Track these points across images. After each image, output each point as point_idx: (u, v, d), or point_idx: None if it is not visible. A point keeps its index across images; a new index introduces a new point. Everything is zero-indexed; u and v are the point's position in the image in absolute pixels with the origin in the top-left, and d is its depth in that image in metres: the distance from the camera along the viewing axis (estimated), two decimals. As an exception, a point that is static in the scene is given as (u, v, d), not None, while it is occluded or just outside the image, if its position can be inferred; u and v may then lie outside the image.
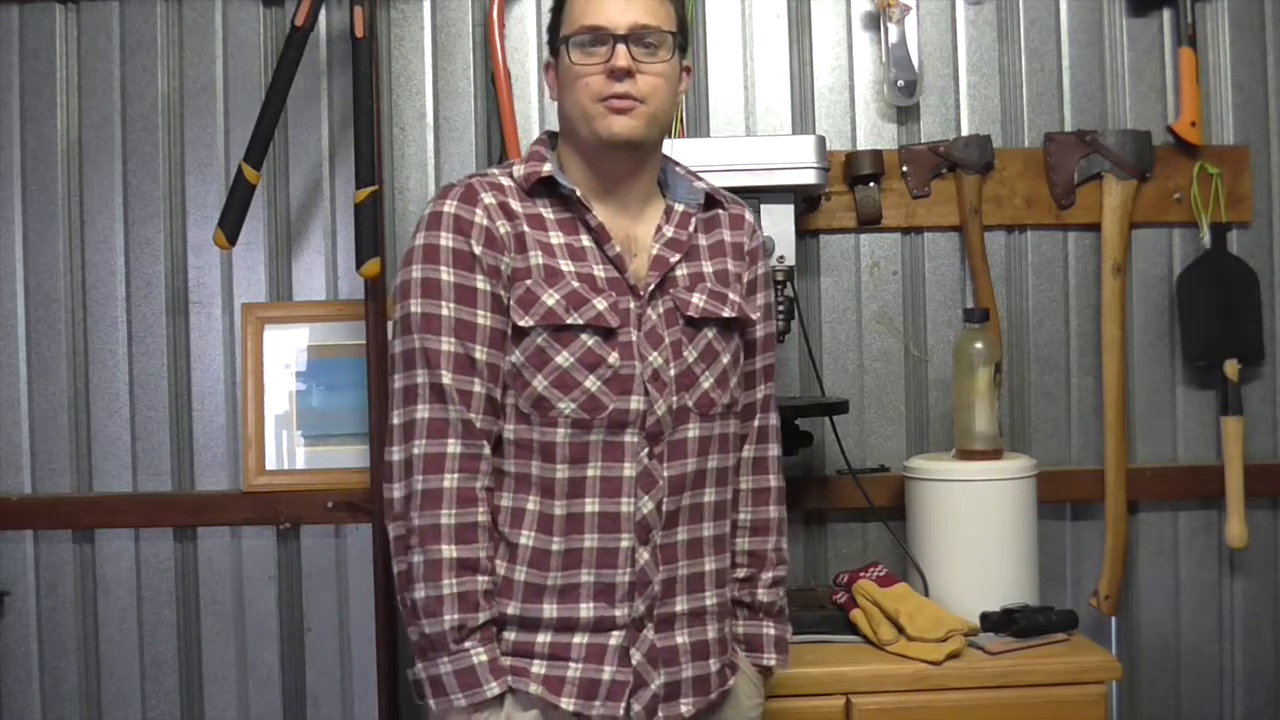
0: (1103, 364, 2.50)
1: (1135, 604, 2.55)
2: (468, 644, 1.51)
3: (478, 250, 1.56)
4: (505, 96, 2.45)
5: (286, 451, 2.50)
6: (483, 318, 1.55)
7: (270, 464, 2.50)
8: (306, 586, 2.52)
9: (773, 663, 1.75)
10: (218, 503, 2.49)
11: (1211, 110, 2.55)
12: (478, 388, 1.54)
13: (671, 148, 2.11)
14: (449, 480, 1.53)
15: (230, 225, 2.28)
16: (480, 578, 1.52)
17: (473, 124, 2.53)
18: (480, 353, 1.55)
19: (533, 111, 2.52)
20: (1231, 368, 2.49)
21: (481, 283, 1.55)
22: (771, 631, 1.76)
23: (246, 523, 2.50)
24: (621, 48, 1.56)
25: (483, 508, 1.54)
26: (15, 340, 2.51)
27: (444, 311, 1.54)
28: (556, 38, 1.64)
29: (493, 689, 1.51)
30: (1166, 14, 2.54)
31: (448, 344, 1.54)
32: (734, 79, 2.55)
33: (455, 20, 2.54)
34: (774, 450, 1.79)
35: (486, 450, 1.55)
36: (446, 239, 1.56)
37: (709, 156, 2.15)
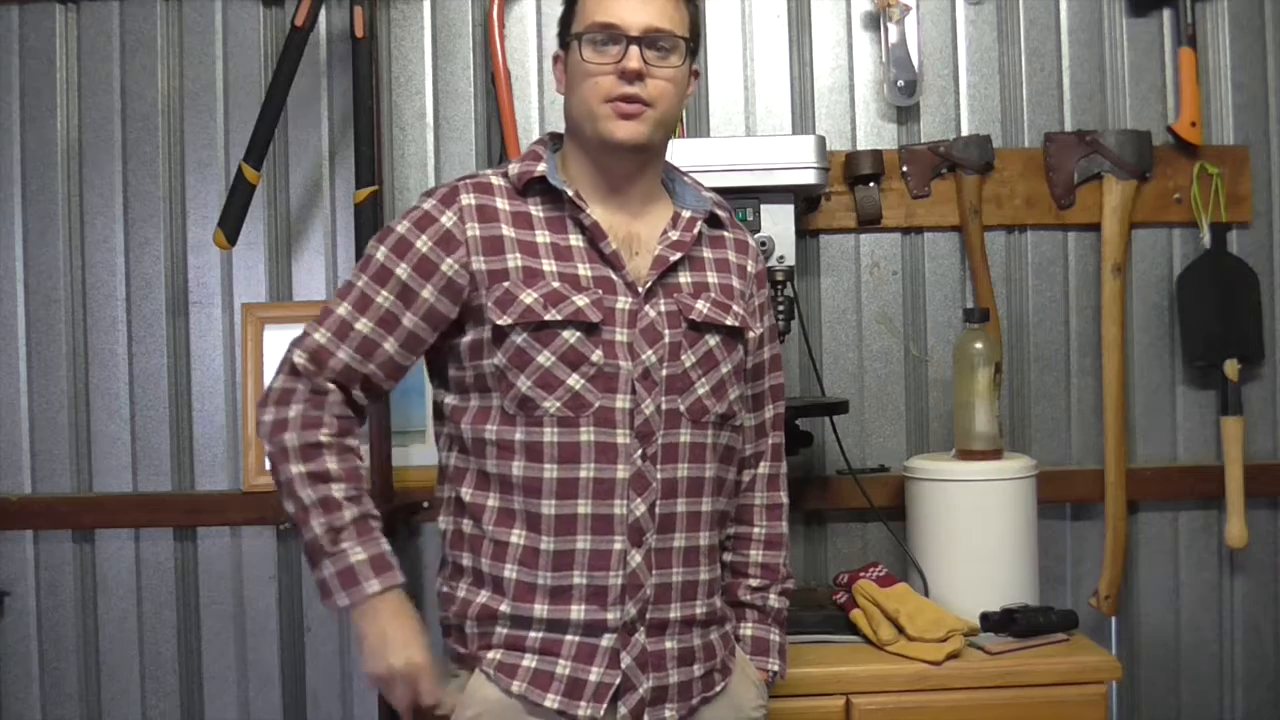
0: (1103, 364, 2.50)
1: (1135, 604, 2.55)
2: (344, 544, 1.54)
3: (422, 247, 1.59)
4: (505, 96, 2.45)
5: (286, 451, 2.50)
6: (381, 297, 1.59)
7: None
8: (307, 586, 2.52)
9: (777, 668, 1.76)
10: (217, 503, 2.49)
11: (1211, 110, 2.55)
12: (341, 355, 1.59)
13: (671, 148, 2.12)
14: (294, 410, 1.58)
15: (230, 225, 2.28)
16: (334, 484, 1.56)
17: (473, 124, 2.53)
18: (363, 325, 1.59)
19: (533, 111, 2.52)
20: (1231, 368, 2.49)
21: (401, 271, 1.59)
22: (777, 639, 1.77)
23: (246, 523, 2.50)
24: (634, 49, 1.56)
25: (326, 431, 1.58)
26: (15, 340, 2.51)
27: (358, 283, 1.61)
28: (568, 31, 1.64)
29: (373, 585, 1.53)
30: (1166, 14, 2.54)
31: (343, 309, 1.60)
32: (734, 79, 2.55)
33: (455, 20, 2.54)
34: (784, 468, 1.83)
35: (333, 397, 1.59)
36: (402, 227, 1.62)
37: (709, 156, 2.15)
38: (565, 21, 1.65)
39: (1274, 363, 2.56)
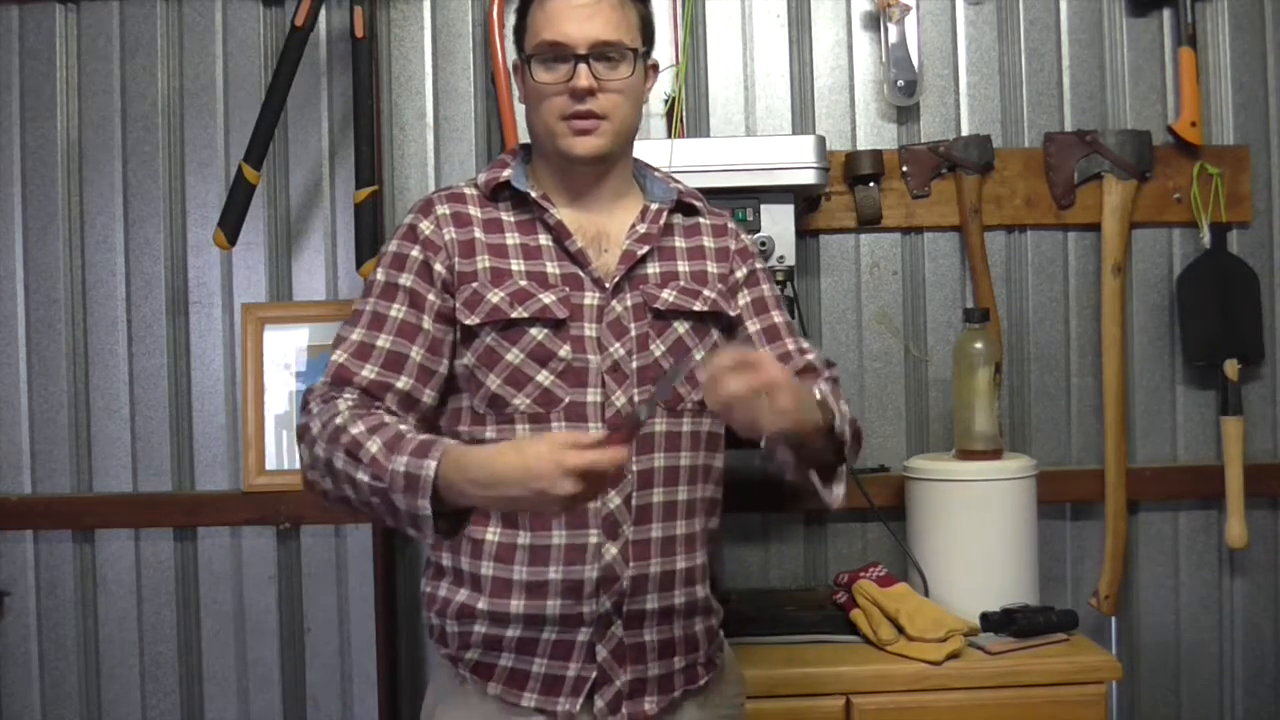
0: (1103, 364, 2.50)
1: (1135, 604, 2.55)
2: (391, 464, 1.41)
3: (414, 253, 1.61)
4: (505, 96, 2.45)
5: (286, 451, 2.50)
6: (394, 310, 1.59)
7: (270, 464, 2.50)
8: (306, 586, 2.52)
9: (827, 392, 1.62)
10: (217, 503, 2.49)
11: (1211, 110, 2.55)
12: (366, 372, 1.55)
13: (671, 148, 2.12)
14: (315, 418, 1.51)
15: (230, 225, 2.28)
16: (353, 429, 1.46)
17: (473, 124, 2.53)
18: (384, 340, 1.58)
19: (533, 111, 2.52)
20: (1231, 368, 2.49)
21: (405, 280, 1.60)
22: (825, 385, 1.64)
23: (246, 523, 2.50)
24: (583, 68, 1.58)
25: (343, 412, 1.50)
26: (15, 340, 2.52)
27: (366, 307, 1.61)
28: (522, 42, 1.66)
29: (429, 466, 1.40)
30: (1166, 14, 2.54)
31: (357, 333, 1.59)
32: (734, 79, 2.55)
33: (455, 20, 2.54)
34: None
35: (352, 397, 1.54)
36: (393, 245, 1.64)
37: (709, 156, 2.16)
38: (519, 32, 1.67)
39: (1274, 363, 2.56)
